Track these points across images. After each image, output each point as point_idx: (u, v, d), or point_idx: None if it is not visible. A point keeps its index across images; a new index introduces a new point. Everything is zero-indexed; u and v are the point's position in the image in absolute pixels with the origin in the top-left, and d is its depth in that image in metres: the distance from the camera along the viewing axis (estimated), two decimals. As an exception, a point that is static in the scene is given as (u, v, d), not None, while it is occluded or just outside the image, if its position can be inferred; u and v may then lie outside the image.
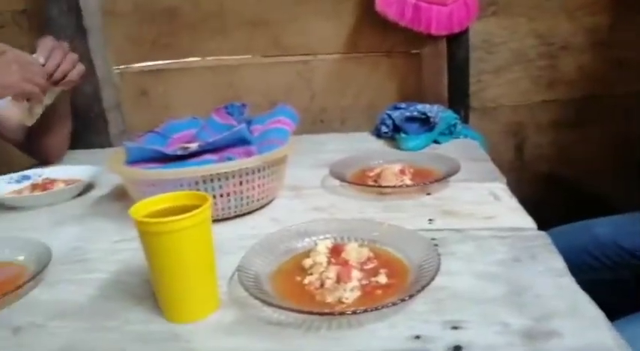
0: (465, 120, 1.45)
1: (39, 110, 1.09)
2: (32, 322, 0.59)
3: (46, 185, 1.05)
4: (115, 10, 1.54)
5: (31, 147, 1.23)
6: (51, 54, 1.03)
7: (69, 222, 0.91)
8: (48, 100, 1.10)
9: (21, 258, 0.72)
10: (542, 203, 1.49)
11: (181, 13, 1.54)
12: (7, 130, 1.26)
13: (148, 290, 0.63)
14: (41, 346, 0.55)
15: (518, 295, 0.56)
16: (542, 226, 0.75)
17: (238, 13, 1.54)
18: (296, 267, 0.64)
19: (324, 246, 0.66)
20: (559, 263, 0.62)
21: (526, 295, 0.56)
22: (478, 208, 0.81)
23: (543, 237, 0.69)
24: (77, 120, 1.40)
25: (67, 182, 1.07)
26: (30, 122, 1.11)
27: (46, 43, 1.04)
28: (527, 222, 0.75)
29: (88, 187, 1.08)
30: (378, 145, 1.27)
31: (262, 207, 0.88)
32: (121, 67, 1.61)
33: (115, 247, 0.78)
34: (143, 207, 0.57)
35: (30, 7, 1.52)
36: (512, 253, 0.65)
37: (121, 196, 1.00)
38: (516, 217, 0.77)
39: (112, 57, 1.59)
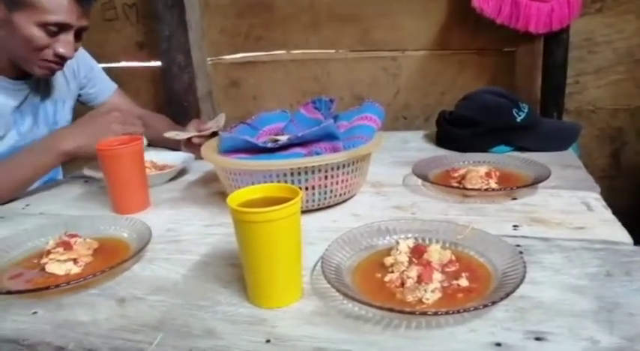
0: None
1: None
2: (134, 294, 0.65)
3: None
4: (211, 2, 1.62)
5: None
6: None
7: (163, 205, 0.97)
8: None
9: (125, 235, 0.79)
10: (637, 215, 1.39)
11: (275, 7, 1.59)
12: None
13: (235, 274, 0.66)
14: (142, 317, 0.60)
15: (609, 312, 0.54)
16: (637, 239, 0.70)
17: (329, 8, 1.56)
18: (376, 264, 0.65)
19: (405, 245, 0.66)
20: (657, 282, 0.59)
21: (618, 313, 0.54)
22: (568, 218, 0.78)
23: (640, 253, 0.66)
24: (172, 108, 1.49)
25: (160, 167, 1.13)
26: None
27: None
28: (623, 236, 0.71)
29: (181, 173, 1.14)
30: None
31: (344, 201, 0.90)
32: (214, 58, 1.69)
33: (204, 231, 0.83)
34: (238, 196, 0.60)
35: (139, 1, 1.64)
36: (604, 268, 0.63)
37: (211, 182, 1.06)
38: (611, 229, 0.73)
39: (207, 48, 1.67)
